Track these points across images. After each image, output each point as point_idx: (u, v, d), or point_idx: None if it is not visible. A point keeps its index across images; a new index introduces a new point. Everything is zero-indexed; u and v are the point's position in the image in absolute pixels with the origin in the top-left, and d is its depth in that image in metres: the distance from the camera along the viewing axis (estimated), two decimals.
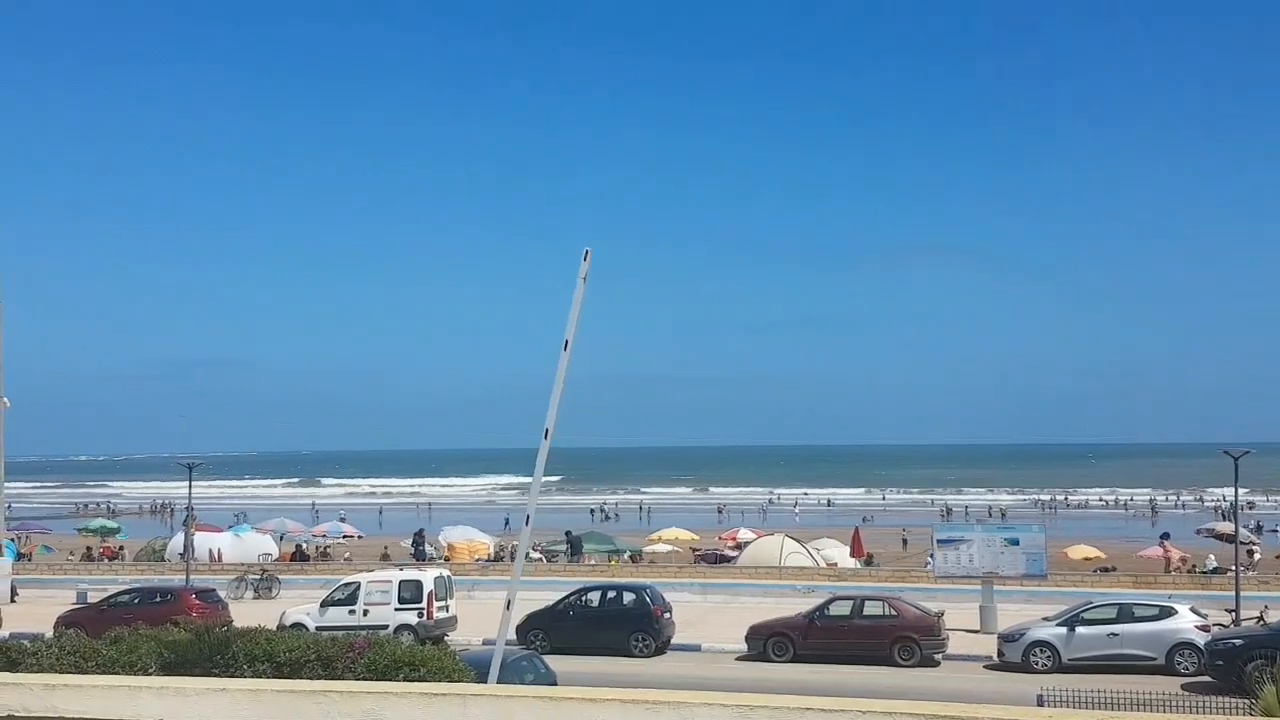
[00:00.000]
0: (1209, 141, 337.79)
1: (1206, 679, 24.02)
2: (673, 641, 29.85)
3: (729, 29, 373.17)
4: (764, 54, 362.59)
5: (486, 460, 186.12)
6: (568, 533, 53.57)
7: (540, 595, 32.72)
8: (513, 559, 50.25)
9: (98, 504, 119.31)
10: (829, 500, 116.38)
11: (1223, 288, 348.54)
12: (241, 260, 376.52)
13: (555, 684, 17.70)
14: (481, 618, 30.83)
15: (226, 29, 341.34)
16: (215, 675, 12.37)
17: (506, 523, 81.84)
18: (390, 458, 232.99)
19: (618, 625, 29.39)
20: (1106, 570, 44.84)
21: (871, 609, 28.39)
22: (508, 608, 13.37)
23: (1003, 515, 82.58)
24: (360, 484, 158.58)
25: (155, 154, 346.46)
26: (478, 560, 49.13)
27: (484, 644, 26.32)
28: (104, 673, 12.44)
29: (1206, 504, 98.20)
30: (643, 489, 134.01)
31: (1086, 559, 50.48)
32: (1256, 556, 49.69)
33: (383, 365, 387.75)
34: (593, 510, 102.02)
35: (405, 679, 12.51)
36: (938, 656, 27.69)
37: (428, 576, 31.15)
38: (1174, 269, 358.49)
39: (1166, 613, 26.70)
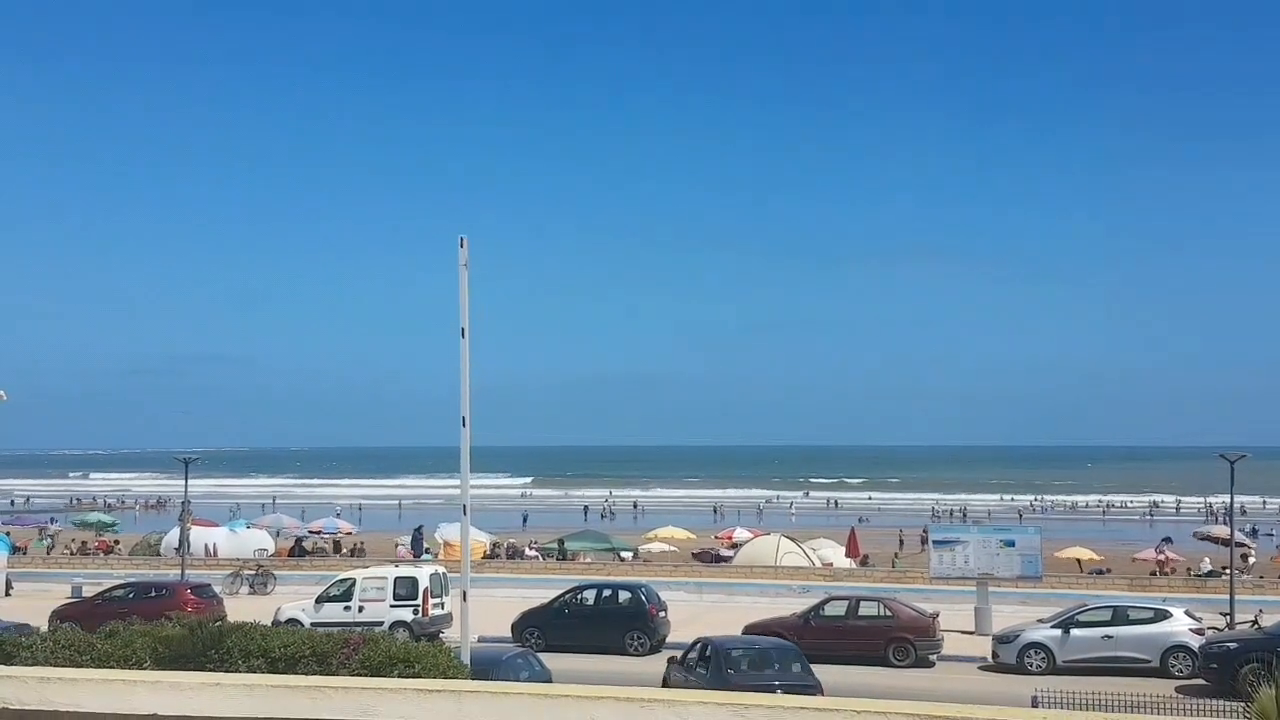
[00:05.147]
0: (1215, 143, 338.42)
1: (1200, 682, 24.08)
2: (668, 640, 29.79)
3: (724, 29, 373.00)
4: (767, 55, 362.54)
5: (487, 457, 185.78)
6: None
7: (537, 594, 32.70)
8: (509, 556, 50.37)
9: (93, 498, 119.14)
10: (834, 501, 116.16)
11: (1225, 292, 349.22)
12: (240, 256, 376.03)
13: (550, 682, 17.70)
14: (478, 614, 30.78)
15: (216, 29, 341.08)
16: (209, 670, 12.36)
17: (525, 519, 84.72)
18: (390, 454, 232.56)
19: (613, 624, 29.37)
20: (1102, 573, 44.89)
21: (867, 609, 28.41)
22: (464, 599, 14.90)
23: (1019, 517, 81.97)
24: (358, 482, 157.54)
25: (154, 150, 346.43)
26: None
27: (479, 641, 26.31)
28: (98, 666, 12.42)
29: (1204, 508, 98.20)
30: (639, 488, 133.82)
31: (1082, 561, 50.50)
32: (1251, 560, 49.79)
33: (385, 362, 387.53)
34: (586, 508, 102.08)
35: (400, 675, 12.50)
36: (933, 657, 27.70)
37: (423, 573, 31.14)
38: (1175, 272, 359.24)
39: (1161, 616, 26.74)
